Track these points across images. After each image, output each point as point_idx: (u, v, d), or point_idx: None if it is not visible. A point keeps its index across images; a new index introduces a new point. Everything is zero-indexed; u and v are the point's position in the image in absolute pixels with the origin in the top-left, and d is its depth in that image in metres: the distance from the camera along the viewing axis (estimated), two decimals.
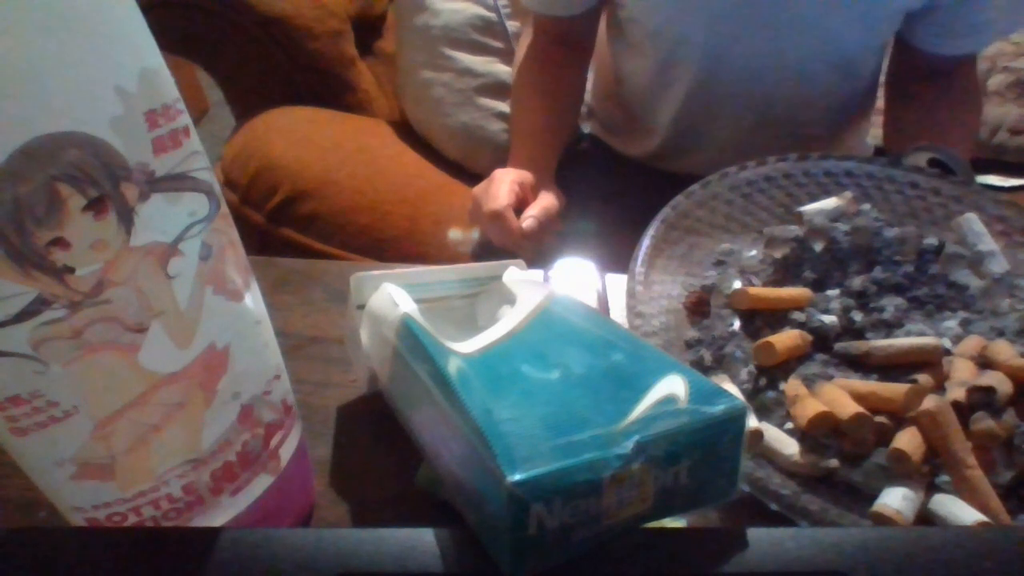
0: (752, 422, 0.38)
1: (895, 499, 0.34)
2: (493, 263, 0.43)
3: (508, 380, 0.29)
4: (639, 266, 0.47)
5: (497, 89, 1.01)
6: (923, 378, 0.39)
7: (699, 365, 0.43)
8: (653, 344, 0.42)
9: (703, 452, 0.26)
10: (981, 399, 0.36)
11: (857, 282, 0.45)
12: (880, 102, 0.84)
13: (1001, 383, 0.36)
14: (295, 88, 1.06)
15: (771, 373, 0.42)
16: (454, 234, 0.88)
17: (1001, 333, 0.43)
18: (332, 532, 0.25)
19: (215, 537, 0.25)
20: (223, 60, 1.05)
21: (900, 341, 0.41)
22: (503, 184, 0.67)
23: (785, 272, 0.48)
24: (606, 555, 0.25)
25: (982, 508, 0.33)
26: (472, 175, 1.00)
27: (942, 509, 0.34)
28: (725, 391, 0.27)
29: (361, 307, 0.39)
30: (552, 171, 0.78)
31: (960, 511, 0.33)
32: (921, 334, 0.42)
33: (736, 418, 0.26)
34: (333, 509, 0.37)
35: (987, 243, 0.48)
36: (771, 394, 0.41)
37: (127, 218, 0.23)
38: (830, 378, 0.41)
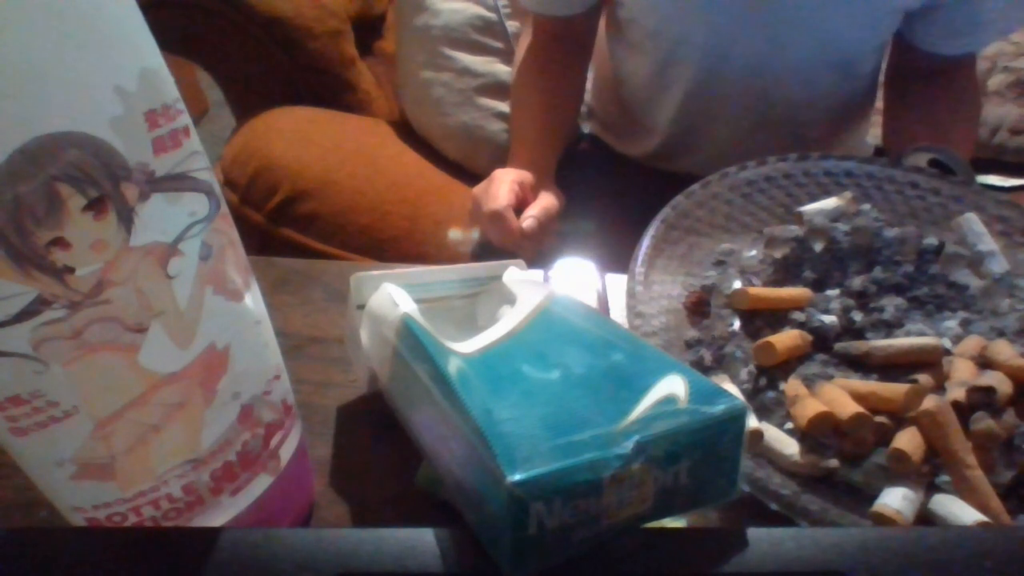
0: (752, 422, 0.38)
1: (895, 499, 0.34)
2: (493, 263, 0.43)
3: (508, 380, 0.29)
4: (639, 266, 0.47)
5: (497, 89, 1.01)
6: (923, 378, 0.39)
7: (699, 365, 0.43)
8: (653, 344, 0.42)
9: (703, 452, 0.26)
10: (981, 399, 0.36)
11: (857, 282, 0.45)
12: (880, 102, 0.84)
13: (1001, 383, 0.36)
14: (295, 88, 1.06)
15: (771, 373, 0.42)
16: (454, 234, 0.88)
17: (1001, 333, 0.43)
18: (332, 532, 0.25)
19: (215, 537, 0.25)
20: (223, 60, 1.05)
21: (900, 341, 0.41)
22: (503, 184, 0.67)
23: (785, 272, 0.48)
24: (606, 555, 0.25)
25: (982, 508, 0.33)
26: (472, 175, 1.00)
27: (942, 509, 0.34)
28: (725, 391, 0.27)
29: (361, 307, 0.39)
30: (552, 171, 0.78)
31: (960, 511, 0.33)
32: (921, 334, 0.42)
33: (736, 418, 0.26)
34: (333, 509, 0.37)
35: (987, 243, 0.48)
36: (771, 394, 0.41)
37: (127, 218, 0.23)
38: (830, 378, 0.41)
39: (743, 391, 0.41)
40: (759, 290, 0.46)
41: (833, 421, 0.36)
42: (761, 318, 0.46)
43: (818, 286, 0.47)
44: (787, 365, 0.42)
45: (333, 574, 0.24)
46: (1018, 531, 0.26)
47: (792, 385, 0.40)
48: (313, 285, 0.54)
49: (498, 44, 1.03)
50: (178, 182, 0.24)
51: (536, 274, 0.48)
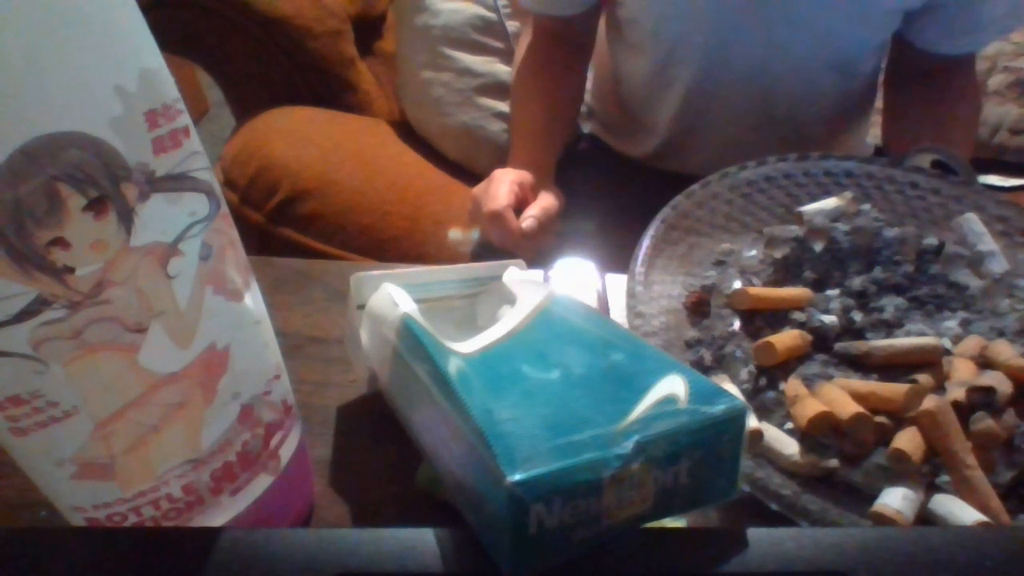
0: (752, 422, 0.38)
1: (895, 499, 0.34)
2: (493, 263, 0.43)
3: (508, 380, 0.29)
4: (639, 266, 0.47)
5: (497, 89, 1.01)
6: (923, 378, 0.39)
7: (699, 365, 0.43)
8: (653, 344, 0.42)
9: (703, 452, 0.26)
10: (981, 399, 0.36)
11: (857, 282, 0.45)
12: (880, 102, 0.84)
13: (1001, 383, 0.36)
14: (295, 88, 1.06)
15: (771, 373, 0.42)
16: (454, 234, 0.88)
17: (1001, 333, 0.43)
18: (332, 532, 0.25)
19: (215, 537, 0.25)
20: (223, 60, 1.05)
21: (900, 341, 0.41)
22: (503, 184, 0.67)
23: (785, 272, 0.48)
24: (606, 555, 0.25)
25: (982, 508, 0.33)
26: (472, 175, 1.00)
27: (942, 509, 0.34)
28: (725, 391, 0.27)
29: (361, 307, 0.39)
30: (552, 171, 0.78)
31: (960, 511, 0.33)
32: (921, 334, 0.42)
33: (736, 418, 0.26)
34: (333, 509, 0.37)
35: (987, 243, 0.48)
36: (771, 394, 0.41)
37: (127, 218, 0.23)
38: (830, 378, 0.41)
39: (743, 391, 0.41)
40: (759, 290, 0.46)
41: (833, 421, 0.36)
42: (761, 318, 0.46)
43: (818, 286, 0.47)
44: (787, 365, 0.42)
45: (333, 574, 0.24)
46: (1018, 531, 0.26)
47: (792, 385, 0.40)
48: (313, 285, 0.54)
49: (498, 44, 1.03)
50: (178, 182, 0.24)
51: (536, 274, 0.48)
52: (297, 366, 0.45)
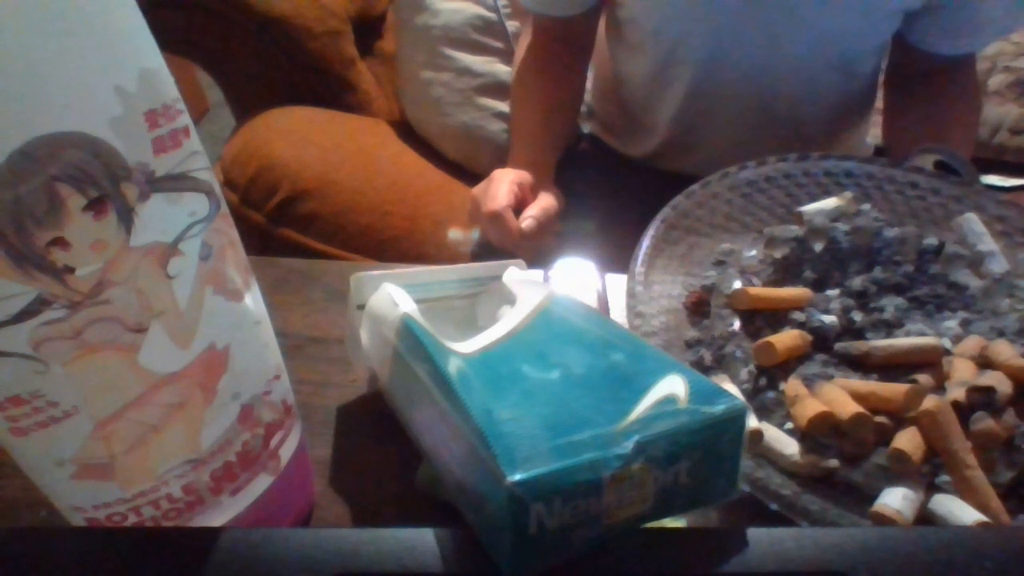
0: (752, 422, 0.38)
1: (895, 499, 0.34)
2: (493, 263, 0.43)
3: (508, 380, 0.29)
4: (639, 266, 0.47)
5: (497, 89, 1.01)
6: (923, 378, 0.39)
7: (699, 365, 0.43)
8: (653, 344, 0.42)
9: (703, 452, 0.26)
10: (981, 399, 0.36)
11: (857, 282, 0.45)
12: (880, 102, 0.84)
13: (1001, 383, 0.36)
14: (295, 88, 1.06)
15: (771, 373, 0.42)
16: (454, 234, 0.88)
17: (1001, 333, 0.43)
18: (332, 532, 0.25)
19: (215, 537, 0.25)
20: (223, 60, 1.05)
21: (900, 341, 0.41)
22: (502, 184, 0.67)
23: (785, 272, 0.48)
24: (606, 555, 0.25)
25: (982, 508, 0.33)
26: (472, 175, 1.00)
27: (942, 509, 0.34)
28: (725, 391, 0.27)
29: (361, 307, 0.39)
30: (552, 171, 0.78)
31: (960, 511, 0.33)
32: (921, 334, 0.42)
33: (736, 418, 0.26)
34: (333, 509, 0.37)
35: (987, 243, 0.48)
36: (771, 394, 0.41)
37: (127, 218, 0.23)
38: (830, 378, 0.41)
39: (743, 391, 0.41)
40: (759, 290, 0.46)
41: (833, 421, 0.36)
42: (761, 318, 0.46)
43: (818, 286, 0.47)
44: (787, 365, 0.42)
45: (333, 574, 0.24)
46: (1018, 531, 0.26)
47: (792, 385, 0.40)
48: (313, 285, 0.54)
49: (498, 44, 1.03)
50: (178, 182, 0.24)
51: (536, 274, 0.48)
52: (297, 366, 0.45)
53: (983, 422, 0.35)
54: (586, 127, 1.00)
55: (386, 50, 1.18)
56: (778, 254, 0.49)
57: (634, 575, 0.24)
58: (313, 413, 0.42)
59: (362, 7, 1.13)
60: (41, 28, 0.19)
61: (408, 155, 1.04)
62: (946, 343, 0.41)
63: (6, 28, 0.19)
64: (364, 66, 1.13)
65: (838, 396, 0.37)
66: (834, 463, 0.37)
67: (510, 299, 0.39)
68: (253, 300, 0.30)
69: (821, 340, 0.43)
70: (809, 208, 0.49)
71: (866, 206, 0.50)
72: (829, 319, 0.43)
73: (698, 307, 0.47)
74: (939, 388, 0.39)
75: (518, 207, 0.67)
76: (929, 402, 0.35)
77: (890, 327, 0.43)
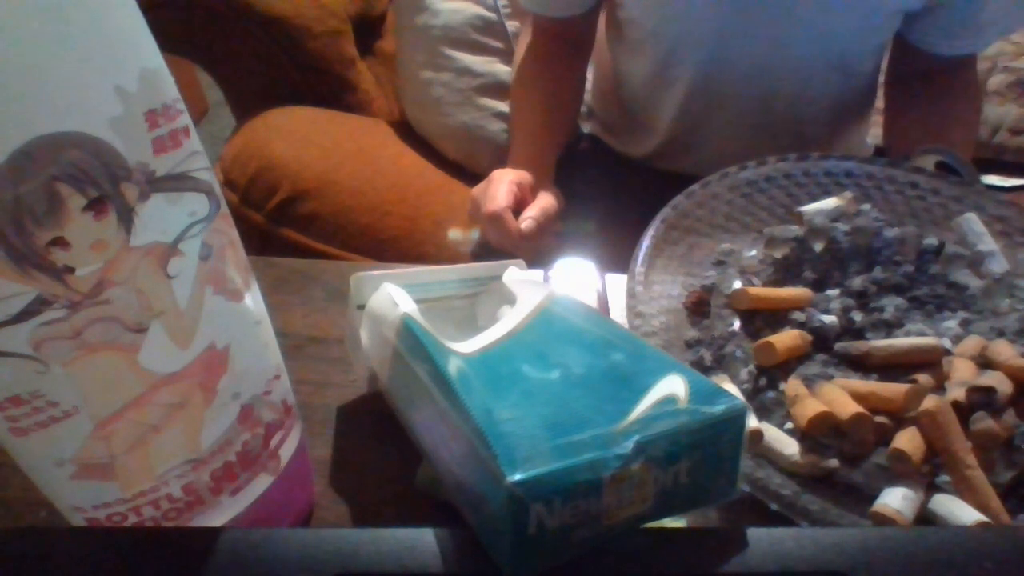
0: (752, 422, 0.38)
1: (895, 499, 0.34)
2: (493, 263, 0.43)
3: (508, 380, 0.29)
4: (639, 266, 0.47)
5: (497, 89, 1.01)
6: (923, 378, 0.39)
7: (699, 365, 0.43)
8: (653, 344, 0.42)
9: (703, 452, 0.26)
10: (981, 399, 0.36)
11: (857, 282, 0.45)
12: (880, 102, 0.84)
13: (1001, 383, 0.36)
14: (295, 88, 1.06)
15: (771, 373, 0.42)
16: (454, 234, 0.88)
17: (1001, 333, 0.43)
18: (332, 532, 0.25)
19: (215, 537, 0.25)
20: (223, 60, 1.05)
21: (900, 341, 0.41)
22: (501, 185, 0.67)
23: (785, 272, 0.48)
24: (606, 555, 0.25)
25: (982, 508, 0.33)
26: (472, 175, 1.00)
27: (942, 509, 0.34)
28: (725, 391, 0.27)
29: (361, 307, 0.39)
30: (551, 170, 0.78)
31: (960, 511, 0.33)
32: (921, 334, 0.42)
33: (736, 418, 0.26)
34: (333, 509, 0.37)
35: (987, 243, 0.48)
36: (771, 394, 0.41)
37: (127, 218, 0.23)
38: (830, 378, 0.41)
39: (743, 391, 0.41)
40: (759, 290, 0.46)
41: (833, 421, 0.36)
42: (761, 318, 0.46)
43: (818, 286, 0.47)
44: (787, 365, 0.42)
45: (333, 574, 0.24)
46: (1018, 531, 0.26)
47: (792, 385, 0.40)
48: (313, 285, 0.54)
49: (498, 44, 1.03)
50: (178, 182, 0.24)
51: (536, 274, 0.48)
52: (297, 366, 0.45)
53: (983, 422, 0.35)
54: (586, 127, 1.00)
55: (386, 50, 1.18)
56: (778, 254, 0.49)
57: (634, 575, 0.24)
58: (313, 413, 0.42)
59: (362, 7, 1.13)
60: (41, 28, 0.19)
61: (408, 155, 1.04)
62: (946, 343, 0.41)
63: (6, 28, 0.19)
64: (364, 66, 1.13)
65: (838, 396, 0.37)
66: (834, 463, 0.37)
67: (510, 299, 0.39)
68: (253, 300, 0.30)
69: (821, 340, 0.43)
70: (809, 208, 0.49)
71: (866, 206, 0.50)
72: (829, 319, 0.43)
73: (698, 307, 0.47)
74: (939, 388, 0.39)
75: (517, 207, 0.67)
76: (929, 402, 0.35)
77: (890, 327, 0.43)
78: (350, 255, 0.91)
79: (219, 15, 0.97)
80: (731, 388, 0.40)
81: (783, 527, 0.25)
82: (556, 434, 0.25)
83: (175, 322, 0.25)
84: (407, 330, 0.33)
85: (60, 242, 0.21)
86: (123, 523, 0.27)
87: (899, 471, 0.35)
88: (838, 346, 0.42)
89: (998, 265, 0.46)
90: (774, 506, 0.35)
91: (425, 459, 0.35)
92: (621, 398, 0.27)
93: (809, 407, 0.37)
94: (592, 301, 0.47)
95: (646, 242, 0.49)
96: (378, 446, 0.41)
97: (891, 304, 0.44)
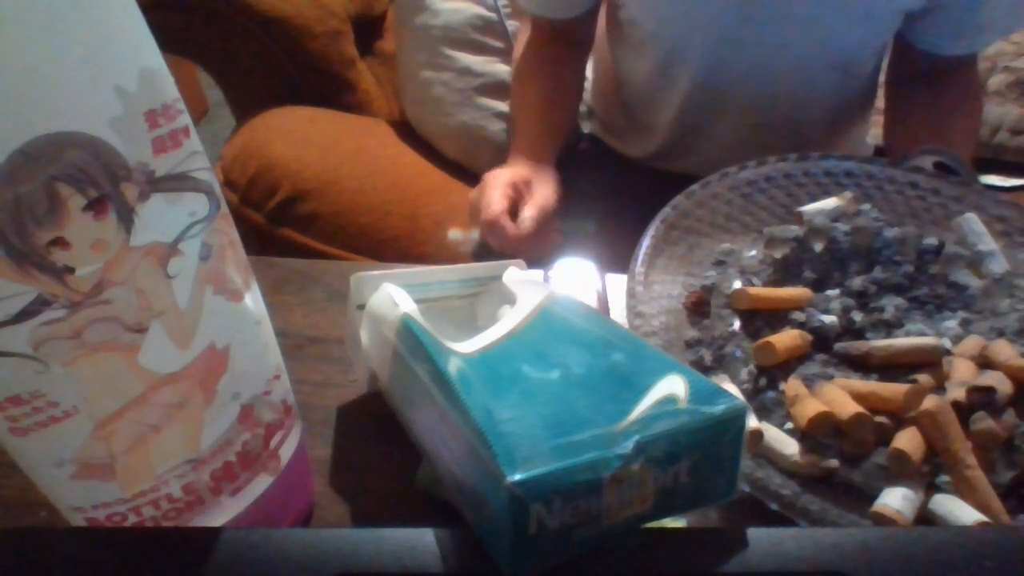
0: (752, 422, 0.38)
1: (895, 499, 0.34)
2: (493, 263, 0.43)
3: (508, 380, 0.29)
4: (639, 266, 0.47)
5: (497, 89, 1.01)
6: (923, 378, 0.39)
7: (699, 365, 0.43)
8: (653, 344, 0.42)
9: (703, 452, 0.26)
10: (981, 399, 0.36)
11: (857, 282, 0.45)
12: (880, 102, 0.84)
13: (1001, 383, 0.36)
14: (295, 88, 1.06)
15: (771, 373, 0.42)
16: (454, 234, 0.88)
17: (1001, 333, 0.43)
18: (332, 532, 0.25)
19: (215, 537, 0.25)
20: (223, 60, 1.05)
21: (900, 341, 0.41)
22: (495, 191, 0.66)
23: (785, 272, 0.48)
24: (606, 555, 0.25)
25: (982, 508, 0.33)
26: (472, 175, 1.00)
27: (942, 509, 0.34)
28: (725, 391, 0.27)
29: (361, 307, 0.39)
30: (550, 160, 0.77)
31: (960, 511, 0.33)
32: (921, 334, 0.42)
33: (736, 418, 0.26)
34: (333, 509, 0.37)
35: (987, 243, 0.48)
36: (771, 394, 0.41)
37: (127, 218, 0.23)
38: (830, 378, 0.41)
39: (743, 391, 0.41)
40: (759, 290, 0.46)
41: (833, 421, 0.36)
42: (761, 318, 0.46)
43: (818, 286, 0.47)
44: (787, 365, 0.42)
45: (333, 574, 0.24)
46: (1018, 531, 0.26)
47: (792, 385, 0.40)
48: (313, 285, 0.54)
49: (498, 44, 1.03)
50: (178, 182, 0.24)
51: (536, 274, 0.48)
52: (297, 366, 0.45)
53: (983, 422, 0.35)
54: (586, 127, 1.00)
55: (386, 50, 1.18)
56: (778, 254, 0.49)
57: (634, 575, 0.24)
58: (313, 413, 0.42)
59: (362, 7, 1.13)
60: (41, 28, 0.19)
61: (408, 155, 1.04)
62: (946, 343, 0.41)
63: (6, 28, 0.19)
64: (364, 66, 1.13)
65: (838, 396, 0.37)
66: (834, 463, 0.37)
67: (510, 299, 0.39)
68: (253, 300, 0.30)
69: (821, 340, 0.43)
70: (809, 208, 0.49)
71: (866, 206, 0.50)
72: (829, 319, 0.43)
73: (698, 307, 0.47)
74: (939, 388, 0.39)
75: (515, 208, 0.67)
76: (929, 402, 0.35)
77: (890, 327, 0.43)
78: (350, 255, 0.91)
79: (219, 15, 0.97)
80: (731, 388, 0.40)
81: (783, 527, 0.25)
82: (556, 434, 0.25)
83: (175, 322, 0.25)
84: (407, 330, 0.33)
85: (60, 242, 0.21)
86: (123, 523, 0.27)
87: (899, 471, 0.35)
88: (838, 346, 0.42)
89: (998, 265, 0.46)
90: (774, 506, 0.35)
91: (425, 459, 0.35)
92: (621, 398, 0.27)
93: (809, 407, 0.37)
94: (592, 301, 0.47)
95: (646, 242, 0.49)
96: (378, 446, 0.41)
97: (891, 304, 0.44)
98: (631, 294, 0.46)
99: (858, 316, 0.44)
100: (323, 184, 0.92)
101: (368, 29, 1.16)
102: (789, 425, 0.39)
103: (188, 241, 0.25)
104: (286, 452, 0.33)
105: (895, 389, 0.37)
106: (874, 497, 0.35)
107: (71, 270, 0.22)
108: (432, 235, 0.92)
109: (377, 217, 0.92)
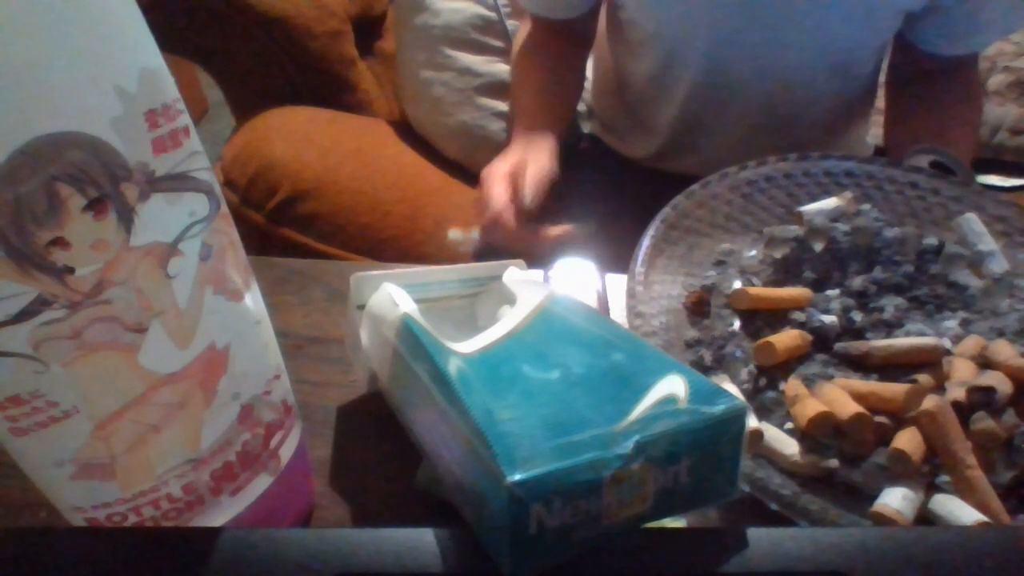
0: (752, 422, 0.38)
1: (895, 499, 0.34)
2: (493, 263, 0.43)
3: (508, 380, 0.29)
4: (639, 266, 0.47)
5: (497, 89, 1.01)
6: (923, 378, 0.39)
7: (699, 365, 0.43)
8: (653, 344, 0.42)
9: (703, 452, 0.26)
10: (981, 399, 0.36)
11: (857, 282, 0.45)
12: (880, 102, 0.84)
13: (1001, 383, 0.36)
14: (295, 88, 1.06)
15: (771, 373, 0.42)
16: (454, 234, 0.88)
17: (1001, 333, 0.43)
18: (332, 532, 0.25)
19: (215, 537, 0.25)
20: (223, 60, 1.05)
21: (900, 341, 0.41)
22: (494, 187, 0.66)
23: (785, 272, 0.48)
24: (606, 555, 0.25)
25: (982, 508, 0.33)
26: (472, 175, 0.99)
27: (942, 509, 0.34)
28: (725, 391, 0.27)
29: (361, 307, 0.39)
30: (550, 143, 0.75)
31: (960, 511, 0.33)
32: (921, 334, 0.42)
33: (736, 418, 0.26)
34: (333, 509, 0.37)
35: (987, 243, 0.48)
36: (771, 394, 0.41)
37: (127, 218, 0.23)
38: (830, 378, 0.41)
39: (743, 391, 0.41)
40: (759, 290, 0.46)
41: (833, 421, 0.36)
42: (761, 318, 0.46)
43: (818, 286, 0.47)
44: (787, 365, 0.42)
45: (333, 574, 0.24)
46: (1018, 531, 0.26)
47: (792, 385, 0.40)
48: (313, 285, 0.54)
49: (498, 43, 1.03)
50: (178, 182, 0.24)
51: (536, 274, 0.48)
52: (297, 366, 0.45)
53: (983, 422, 0.35)
54: (586, 127, 1.00)
55: (386, 50, 1.18)
56: (778, 254, 0.49)
57: (634, 575, 0.24)
58: (313, 413, 0.42)
59: (362, 7, 1.13)
60: (41, 28, 0.19)
61: (408, 155, 1.04)
62: (946, 343, 0.41)
63: (6, 28, 0.19)
64: (364, 66, 1.13)
65: (838, 396, 0.37)
66: (834, 463, 0.37)
67: (510, 299, 0.39)
68: (253, 300, 0.30)
69: (821, 340, 0.43)
70: (809, 208, 0.49)
71: (866, 206, 0.50)
72: (829, 319, 0.43)
73: (698, 307, 0.47)
74: (939, 388, 0.39)
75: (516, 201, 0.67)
76: (929, 402, 0.35)
77: (890, 327, 0.43)
78: (350, 255, 0.91)
79: (219, 15, 0.97)
80: (731, 388, 0.40)
81: (783, 527, 0.25)
82: (556, 434, 0.25)
83: (175, 322, 0.25)
84: (407, 330, 0.33)
85: (60, 242, 0.21)
86: (123, 523, 0.27)
87: (899, 471, 0.35)
88: (838, 346, 0.42)
89: (998, 265, 0.46)
90: (774, 506, 0.35)
91: (425, 459, 0.35)
92: (621, 398, 0.27)
93: (809, 407, 0.37)
94: (592, 301, 0.47)
95: (646, 242, 0.49)
96: (378, 446, 0.41)
97: (891, 304, 0.44)
98: (631, 294, 0.46)
99: (858, 316, 0.44)
100: (323, 184, 0.92)
101: (368, 29, 1.16)
102: (789, 425, 0.39)
103: (188, 241, 0.25)
104: (286, 452, 0.33)
105: (895, 389, 0.37)
106: (874, 497, 0.35)
107: (71, 270, 0.22)
108: (432, 235, 0.92)
109: (377, 217, 0.92)
